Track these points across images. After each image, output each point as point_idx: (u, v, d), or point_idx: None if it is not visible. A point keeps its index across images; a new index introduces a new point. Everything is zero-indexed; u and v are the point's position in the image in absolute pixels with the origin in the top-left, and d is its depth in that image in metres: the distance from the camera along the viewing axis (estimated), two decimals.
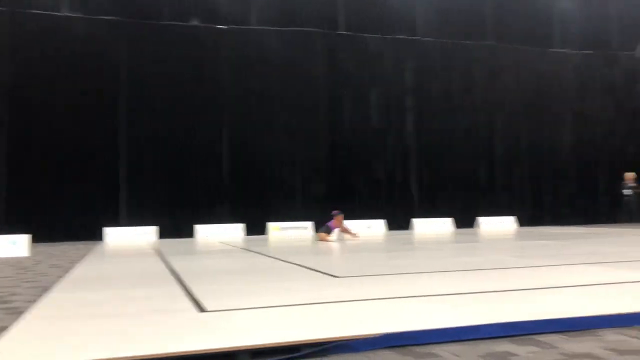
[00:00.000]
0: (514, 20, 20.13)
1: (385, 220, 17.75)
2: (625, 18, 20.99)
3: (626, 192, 18.75)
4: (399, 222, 18.10)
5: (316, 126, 17.57)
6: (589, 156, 20.36)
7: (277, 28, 17.38)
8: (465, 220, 18.52)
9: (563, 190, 20.03)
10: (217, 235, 15.94)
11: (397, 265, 7.13)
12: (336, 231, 12.92)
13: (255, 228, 16.56)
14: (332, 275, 5.89)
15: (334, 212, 12.96)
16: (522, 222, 18.96)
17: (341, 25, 18.39)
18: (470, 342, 3.16)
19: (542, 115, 20.02)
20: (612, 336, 3.23)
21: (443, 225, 18.00)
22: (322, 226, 12.95)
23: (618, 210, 19.78)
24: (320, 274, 6.07)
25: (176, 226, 15.99)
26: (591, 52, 20.68)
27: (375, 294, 4.58)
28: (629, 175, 18.81)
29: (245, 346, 3.00)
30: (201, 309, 4.08)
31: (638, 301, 4.05)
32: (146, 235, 15.64)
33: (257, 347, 3.00)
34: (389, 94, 18.45)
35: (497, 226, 18.41)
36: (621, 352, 2.88)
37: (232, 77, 16.92)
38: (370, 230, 17.15)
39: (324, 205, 17.37)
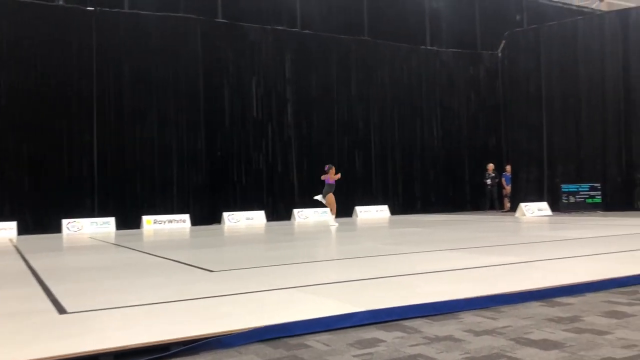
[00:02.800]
0: (389, 18, 20.91)
1: (265, 211, 17.75)
2: (489, 19, 22.62)
3: (488, 181, 20.35)
4: (279, 213, 18.17)
5: (194, 115, 17.09)
6: (455, 148, 21.73)
7: (153, 13, 16.63)
8: (344, 210, 19.01)
9: (432, 180, 21.23)
10: (86, 230, 15.02)
11: (275, 256, 7.13)
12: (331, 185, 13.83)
13: (129, 222, 15.80)
14: (206, 270, 5.75)
15: (327, 166, 13.99)
16: (396, 210, 19.86)
17: (220, 13, 18.01)
18: (341, 331, 3.22)
19: (414, 109, 21.04)
20: (470, 318, 3.45)
21: (323, 215, 18.34)
22: (324, 187, 13.76)
23: (481, 198, 21.39)
24: (194, 269, 5.91)
25: (39, 221, 14.82)
26: (459, 50, 22.05)
27: (250, 287, 4.53)
28: (490, 166, 20.44)
29: (107, 349, 2.82)
30: (61, 310, 3.80)
31: (493, 284, 4.36)
32: (4, 231, 14.35)
33: (121, 349, 2.84)
34: (269, 84, 18.40)
35: (373, 215, 19.12)
36: (478, 333, 3.08)
37: (104, 62, 15.94)
38: (251, 221, 17.07)
39: (202, 197, 17.02)
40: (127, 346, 2.86)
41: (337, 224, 13.89)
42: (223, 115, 17.60)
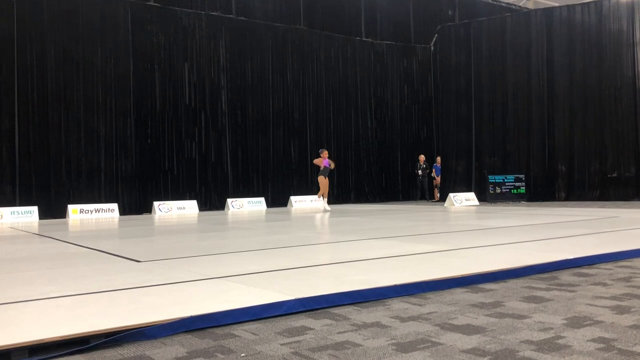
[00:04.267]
0: (324, 8, 20.93)
1: (198, 200, 17.45)
2: (423, 13, 23.07)
3: (419, 172, 20.85)
4: (213, 202, 17.93)
5: (123, 100, 16.53)
6: (389, 139, 22.12)
7: None
8: (279, 200, 18.99)
9: (366, 170, 21.53)
10: (6, 220, 14.26)
11: (205, 246, 7.02)
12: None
13: (53, 211, 15.15)
14: (133, 260, 5.58)
15: (321, 150, 15.35)
16: (330, 200, 19.97)
17: None
18: (270, 320, 3.20)
19: (349, 99, 21.22)
20: (398, 304, 3.51)
21: (258, 204, 18.24)
22: (321, 170, 14.93)
23: (412, 188, 21.90)
24: (121, 259, 5.73)
25: None
26: (393, 42, 22.38)
27: (177, 277, 4.43)
28: (422, 157, 20.93)
29: (21, 343, 2.67)
30: None
31: (420, 271, 4.46)
32: None
33: (36, 343, 2.69)
34: (202, 70, 18.03)
35: (308, 204, 19.18)
36: (404, 319, 3.13)
37: (27, 44, 15.10)
38: (183, 210, 16.74)
39: (131, 186, 16.53)
40: (42, 340, 2.72)
41: (329, 208, 14.96)
42: (154, 101, 17.11)
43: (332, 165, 15.48)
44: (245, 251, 6.24)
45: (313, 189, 19.88)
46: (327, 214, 13.69)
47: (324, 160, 15.25)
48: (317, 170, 15.67)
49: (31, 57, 15.22)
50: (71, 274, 4.81)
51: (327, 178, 15.30)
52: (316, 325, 3.07)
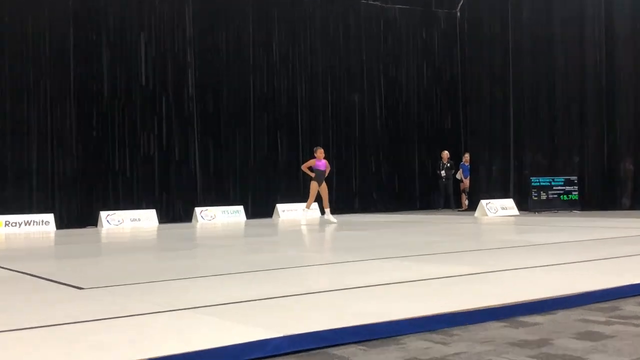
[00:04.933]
0: None
1: (158, 210, 17.41)
2: None
3: (442, 173, 20.81)
4: (177, 212, 17.90)
5: (61, 83, 16.50)
6: (403, 131, 22.12)
7: None
8: (262, 209, 18.97)
9: (374, 171, 21.52)
10: None
11: (167, 269, 7.01)
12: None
13: None
14: (75, 287, 5.58)
15: (316, 148, 15.50)
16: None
17: None
18: None
19: (351, 81, 21.20)
20: (415, 343, 3.50)
21: (235, 215, 18.22)
22: (318, 175, 14.97)
23: (433, 194, 21.88)
24: (59, 285, 5.74)
25: None
26: (408, 7, 22.36)
27: (132, 309, 4.42)
28: (445, 154, 20.89)
29: None
30: None
31: (444, 300, 4.45)
32: None
33: None
34: (163, 44, 18.02)
35: (299, 214, 19.07)
36: None
37: None
38: (139, 223, 16.72)
39: (72, 192, 16.50)
40: None
41: (335, 220, 15.05)
42: (100, 83, 17.12)
43: (327, 170, 15.34)
44: (218, 275, 6.23)
45: (306, 195, 19.82)
46: (333, 227, 13.68)
47: (318, 162, 15.09)
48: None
49: None
50: None
51: (323, 184, 15.15)
52: None
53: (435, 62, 22.83)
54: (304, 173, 16.08)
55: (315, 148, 15.63)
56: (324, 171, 15.11)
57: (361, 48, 21.47)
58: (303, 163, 19.68)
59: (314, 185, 15.07)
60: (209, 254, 8.76)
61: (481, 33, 20.44)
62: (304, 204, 19.41)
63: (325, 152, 15.68)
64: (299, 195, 19.69)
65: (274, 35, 19.87)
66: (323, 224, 14.83)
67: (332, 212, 15.57)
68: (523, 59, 19.52)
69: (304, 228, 13.87)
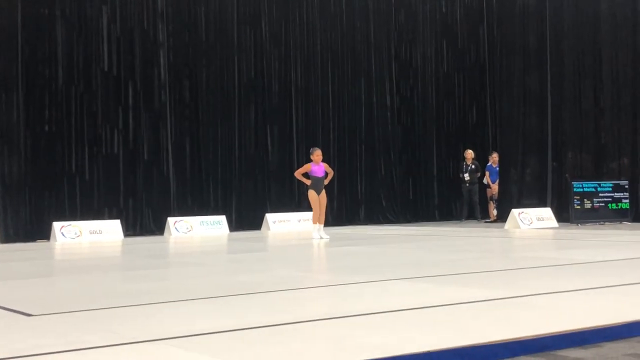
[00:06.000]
0: None
1: (123, 220, 17.40)
2: None
3: (466, 176, 20.76)
4: (145, 223, 17.88)
5: (6, 66, 16.49)
6: (418, 126, 22.13)
7: None
8: (249, 219, 18.96)
9: (384, 174, 21.51)
10: None
11: (132, 291, 7.00)
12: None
13: None
14: (22, 313, 5.59)
15: (312, 149, 15.14)
16: (327, 220, 19.86)
17: None
18: None
19: (357, 65, 21.22)
20: None
21: (216, 227, 18.20)
22: (315, 182, 14.59)
23: (455, 201, 21.87)
24: (4, 312, 5.73)
25: None
26: None
27: (88, 341, 4.40)
28: (470, 154, 20.84)
29: None
30: None
31: (468, 330, 4.43)
32: None
33: None
34: (130, 19, 18.02)
35: (293, 226, 19.11)
36: None
37: None
38: (100, 236, 16.70)
39: (18, 199, 16.48)
40: None
41: (327, 237, 14.44)
42: (55, 68, 17.12)
43: (329, 176, 15.15)
44: (194, 299, 6.22)
45: (301, 204, 19.81)
46: (323, 243, 13.66)
47: (314, 166, 14.78)
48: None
49: None
50: None
51: (322, 193, 14.89)
52: None
53: (457, 43, 22.86)
54: (299, 180, 15.90)
55: (311, 149, 15.15)
56: (322, 178, 14.73)
57: (368, 25, 21.50)
58: (297, 164, 19.79)
59: (312, 195, 14.70)
60: (182, 274, 8.72)
61: (513, 8, 20.47)
62: (298, 214, 19.51)
63: (324, 152, 15.57)
64: (293, 203, 19.70)
65: (263, 10, 19.87)
66: (335, 239, 14.65)
67: (333, 224, 15.48)
68: (564, 39, 19.55)
69: (315, 242, 13.82)
